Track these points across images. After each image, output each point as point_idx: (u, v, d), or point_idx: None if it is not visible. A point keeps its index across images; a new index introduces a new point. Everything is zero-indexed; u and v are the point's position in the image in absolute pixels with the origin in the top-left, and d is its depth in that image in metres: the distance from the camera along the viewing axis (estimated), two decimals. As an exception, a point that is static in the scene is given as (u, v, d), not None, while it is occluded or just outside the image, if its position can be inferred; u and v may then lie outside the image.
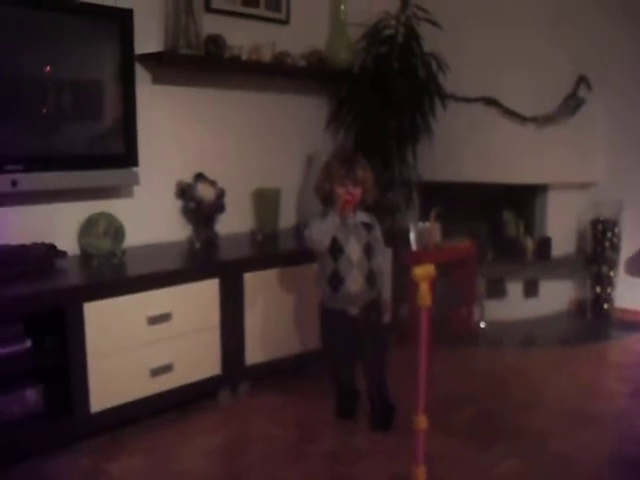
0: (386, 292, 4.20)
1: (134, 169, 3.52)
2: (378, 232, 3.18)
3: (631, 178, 4.88)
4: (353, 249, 3.04)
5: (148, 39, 3.60)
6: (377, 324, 3.15)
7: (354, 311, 3.10)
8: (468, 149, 4.67)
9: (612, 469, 2.79)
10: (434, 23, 4.38)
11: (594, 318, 4.96)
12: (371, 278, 3.09)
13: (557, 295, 5.13)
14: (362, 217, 3.13)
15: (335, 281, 3.05)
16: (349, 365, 3.23)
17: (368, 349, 3.13)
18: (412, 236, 4.31)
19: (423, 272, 1.79)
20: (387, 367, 3.16)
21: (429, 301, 1.78)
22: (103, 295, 2.91)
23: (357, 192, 3.01)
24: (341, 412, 3.29)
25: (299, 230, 4.31)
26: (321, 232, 3.01)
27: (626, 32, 4.81)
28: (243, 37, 3.98)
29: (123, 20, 3.36)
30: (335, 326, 3.15)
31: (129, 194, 3.67)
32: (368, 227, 3.12)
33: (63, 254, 3.21)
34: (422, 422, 1.90)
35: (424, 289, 1.78)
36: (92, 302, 2.87)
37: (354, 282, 3.04)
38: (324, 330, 3.22)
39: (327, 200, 3.08)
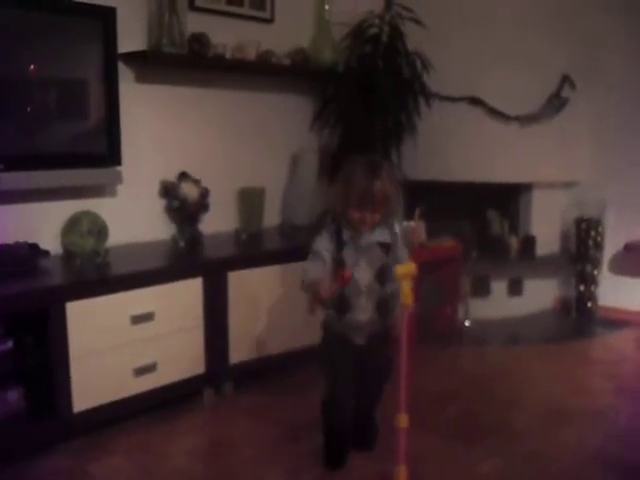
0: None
1: (117, 168, 3.50)
2: (400, 251, 2.76)
3: (614, 177, 4.91)
4: (363, 274, 2.66)
5: (131, 38, 3.58)
6: (383, 355, 2.81)
7: (360, 341, 2.75)
8: (452, 148, 4.68)
9: (595, 467, 2.80)
10: (418, 22, 4.37)
11: (578, 316, 4.98)
12: (382, 306, 2.71)
13: (541, 293, 5.15)
14: (380, 235, 2.70)
15: (342, 306, 2.68)
16: (348, 399, 2.81)
17: (368, 377, 2.81)
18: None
19: (405, 270, 1.78)
20: (383, 395, 2.90)
21: (411, 299, 1.76)
22: (86, 294, 2.90)
23: (376, 217, 2.63)
24: (330, 459, 2.80)
25: (283, 229, 4.31)
26: (316, 278, 2.57)
27: (610, 31, 4.83)
28: (227, 36, 3.97)
29: (106, 18, 3.35)
30: (338, 352, 2.75)
31: (112, 193, 3.65)
32: (386, 248, 2.70)
33: (46, 253, 3.19)
34: (403, 420, 1.90)
35: (406, 287, 1.76)
36: (75, 302, 2.85)
37: (362, 310, 2.69)
38: (326, 355, 2.82)
39: (339, 216, 2.70)
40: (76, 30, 3.27)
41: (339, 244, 2.66)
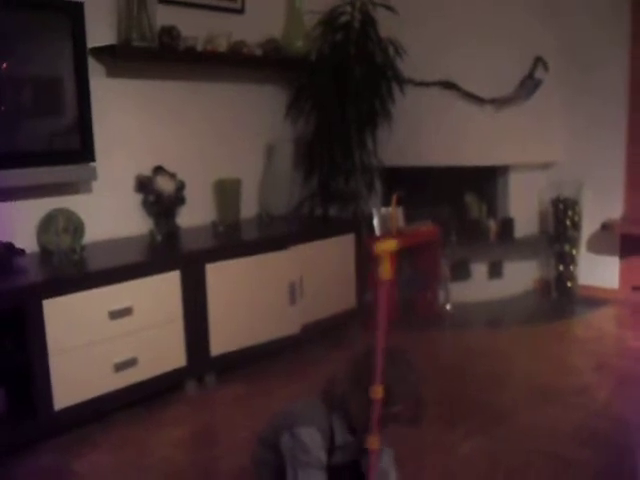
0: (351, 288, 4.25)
1: (91, 164, 3.49)
2: (388, 457, 2.27)
3: (590, 157, 4.94)
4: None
5: (102, 32, 3.56)
6: None
7: None
8: (428, 133, 4.69)
9: (575, 442, 2.83)
10: (389, 8, 4.38)
11: (558, 296, 5.02)
12: None
13: (521, 275, 5.18)
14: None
15: None
16: None
17: None
18: (375, 221, 4.33)
19: (385, 247, 1.85)
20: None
21: (389, 275, 1.84)
22: (63, 291, 2.89)
23: None
24: None
25: (261, 219, 4.31)
26: None
27: (582, 11, 4.85)
28: (198, 28, 3.96)
29: (74, 13, 3.33)
30: None
31: (87, 189, 3.64)
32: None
33: (22, 252, 3.17)
34: (378, 392, 1.94)
35: (386, 263, 1.84)
36: (52, 299, 2.84)
37: None
38: None
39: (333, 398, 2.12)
40: (44, 26, 3.25)
41: (331, 449, 2.10)
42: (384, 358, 1.96)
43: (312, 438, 2.05)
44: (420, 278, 4.56)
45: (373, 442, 1.99)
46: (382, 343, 1.93)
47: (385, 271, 1.86)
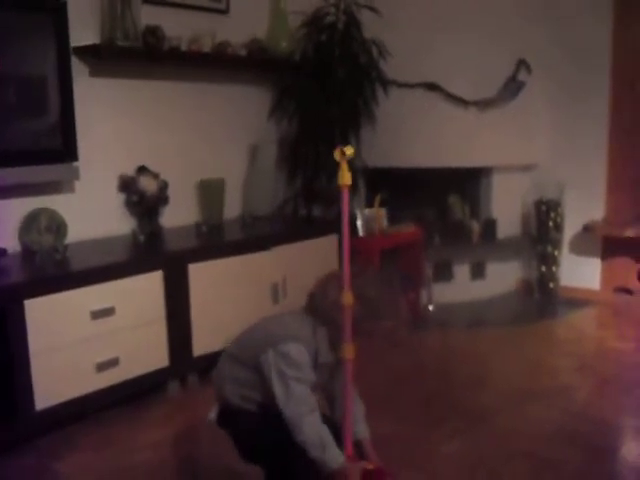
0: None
1: (74, 164, 3.48)
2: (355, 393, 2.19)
3: (572, 159, 4.98)
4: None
5: (85, 31, 3.55)
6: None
7: None
8: (411, 134, 4.70)
9: (556, 443, 2.86)
10: (373, 9, 4.40)
11: (540, 297, 5.05)
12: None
13: (504, 276, 5.21)
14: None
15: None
16: None
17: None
18: (359, 223, 4.34)
19: (344, 152, 1.94)
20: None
21: (348, 180, 1.96)
22: (44, 291, 2.88)
23: None
24: None
25: (244, 220, 4.30)
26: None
27: (564, 15, 4.88)
28: (182, 27, 3.95)
29: (57, 13, 3.31)
30: None
31: (70, 189, 3.62)
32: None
33: (3, 252, 3.16)
34: (348, 298, 1.98)
35: (343, 168, 1.95)
36: (33, 299, 2.83)
37: None
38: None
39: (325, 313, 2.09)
40: (27, 26, 3.23)
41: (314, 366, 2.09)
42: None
43: (301, 355, 2.03)
44: (403, 279, 4.57)
45: (349, 350, 2.00)
46: (348, 247, 2.06)
47: (344, 177, 1.96)
